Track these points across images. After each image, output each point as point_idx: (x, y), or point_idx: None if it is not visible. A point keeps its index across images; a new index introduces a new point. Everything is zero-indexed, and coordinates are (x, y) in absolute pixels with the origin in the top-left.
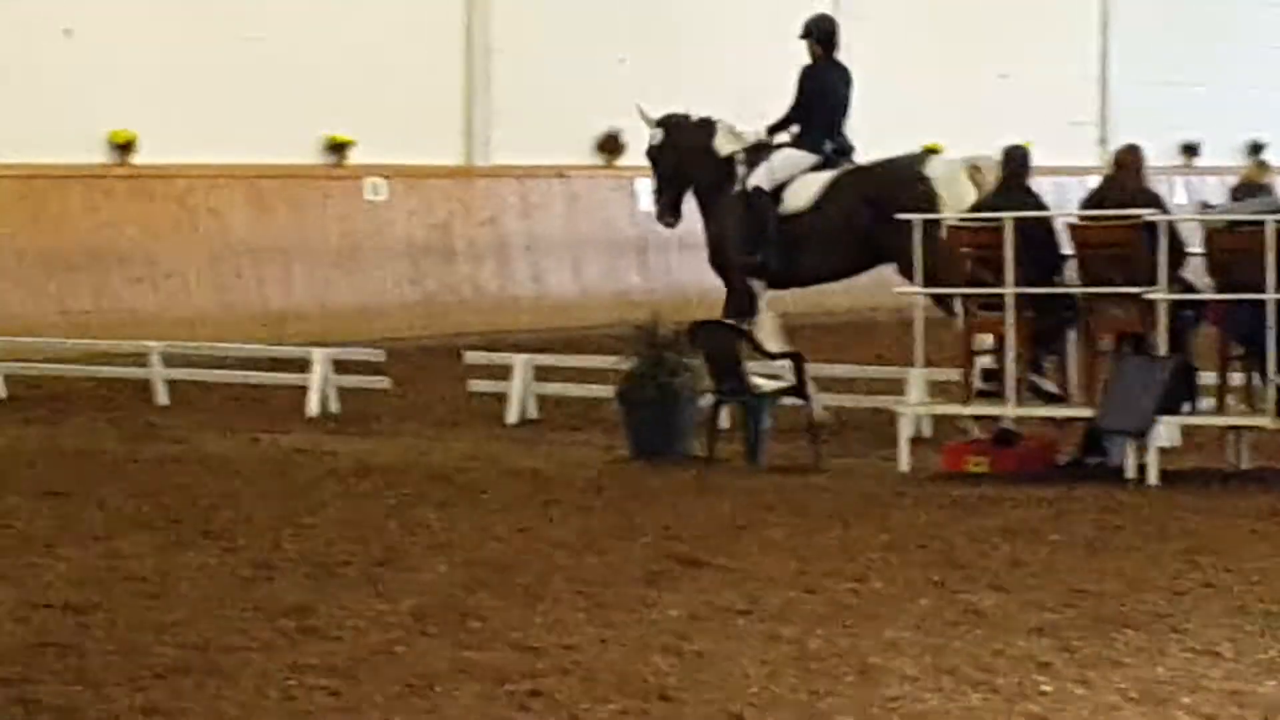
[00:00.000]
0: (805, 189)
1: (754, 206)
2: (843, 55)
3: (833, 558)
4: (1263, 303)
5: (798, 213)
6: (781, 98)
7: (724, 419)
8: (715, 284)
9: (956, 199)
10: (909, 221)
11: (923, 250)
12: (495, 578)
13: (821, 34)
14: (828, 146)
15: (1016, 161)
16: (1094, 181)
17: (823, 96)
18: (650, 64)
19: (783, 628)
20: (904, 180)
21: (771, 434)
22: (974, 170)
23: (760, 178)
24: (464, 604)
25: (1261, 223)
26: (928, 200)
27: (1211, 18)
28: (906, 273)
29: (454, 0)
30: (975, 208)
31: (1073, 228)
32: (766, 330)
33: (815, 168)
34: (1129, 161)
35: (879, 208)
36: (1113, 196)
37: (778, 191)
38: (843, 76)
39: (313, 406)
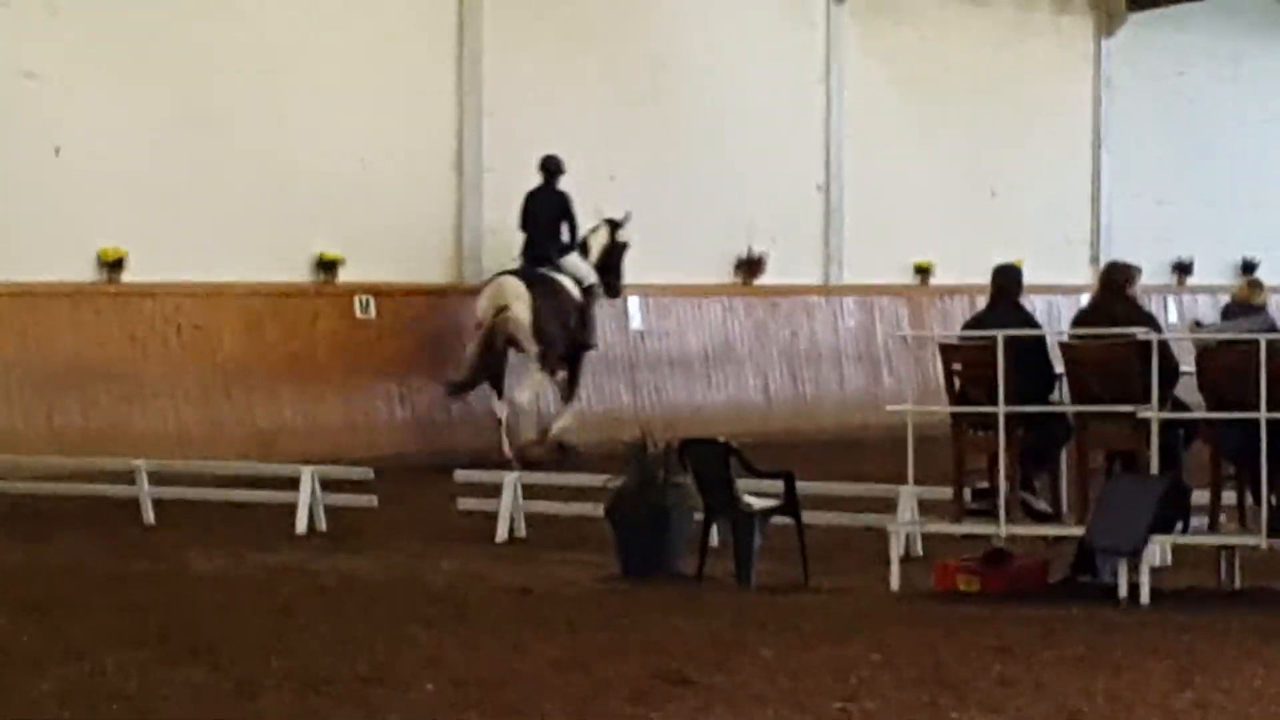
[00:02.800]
0: None
1: None
2: (837, 173)
3: (823, 676)
4: (1255, 421)
5: None
6: (775, 218)
7: (714, 537)
8: (705, 401)
9: None
10: None
11: None
12: (483, 696)
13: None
14: None
15: (1008, 279)
16: (1086, 299)
17: None
18: (641, 180)
19: None
20: None
21: (762, 552)
22: None
23: None
24: None
25: (1253, 342)
26: None
27: (1204, 136)
28: None
29: (446, 119)
30: (967, 325)
31: (1065, 345)
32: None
33: None
34: (1117, 279)
35: None
36: (1104, 314)
37: None
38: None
39: (301, 524)
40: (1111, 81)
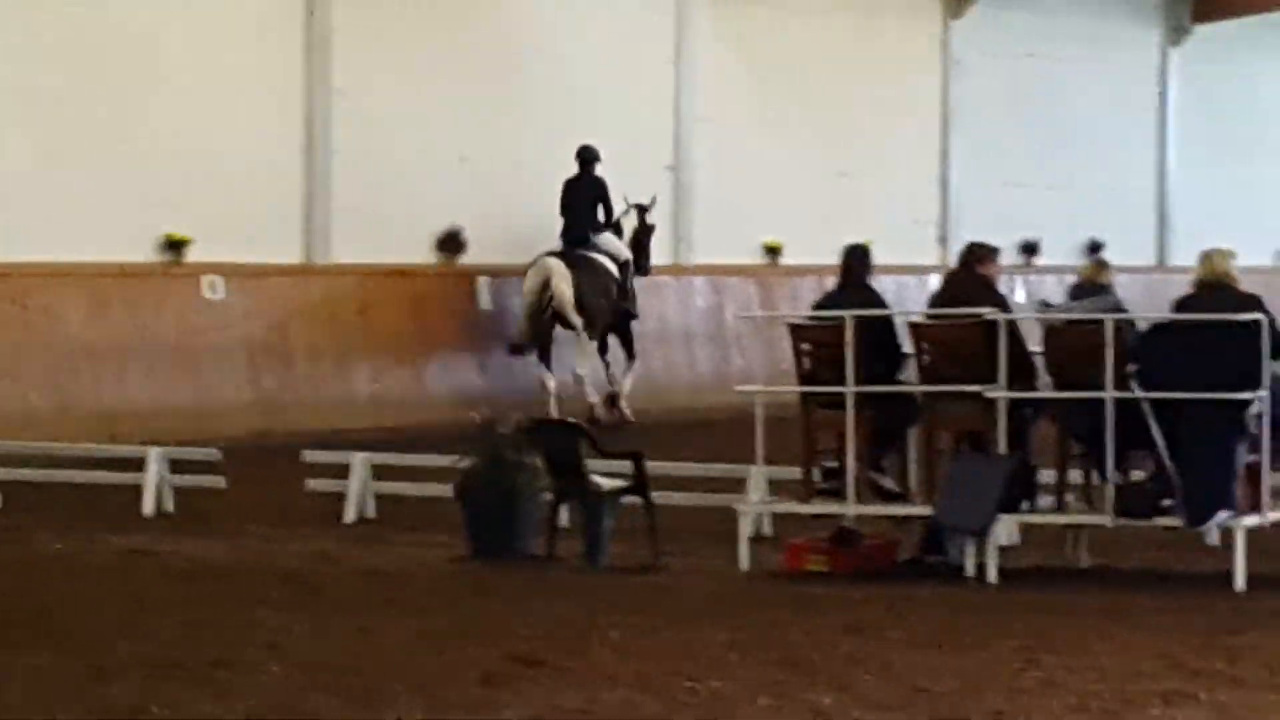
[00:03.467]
0: None
1: None
2: (687, 154)
3: (672, 657)
4: (1101, 401)
5: None
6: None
7: (564, 518)
8: (555, 383)
9: None
10: None
11: None
12: (332, 679)
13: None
14: None
15: (857, 260)
16: (935, 280)
17: None
18: (491, 162)
19: None
20: None
21: (612, 533)
22: None
23: None
24: (300, 706)
25: (1100, 322)
26: None
27: (1053, 118)
28: None
29: (294, 99)
30: (817, 306)
31: (914, 325)
32: None
33: None
34: (970, 259)
35: None
36: (956, 294)
37: None
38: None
39: (148, 506)
40: (960, 63)
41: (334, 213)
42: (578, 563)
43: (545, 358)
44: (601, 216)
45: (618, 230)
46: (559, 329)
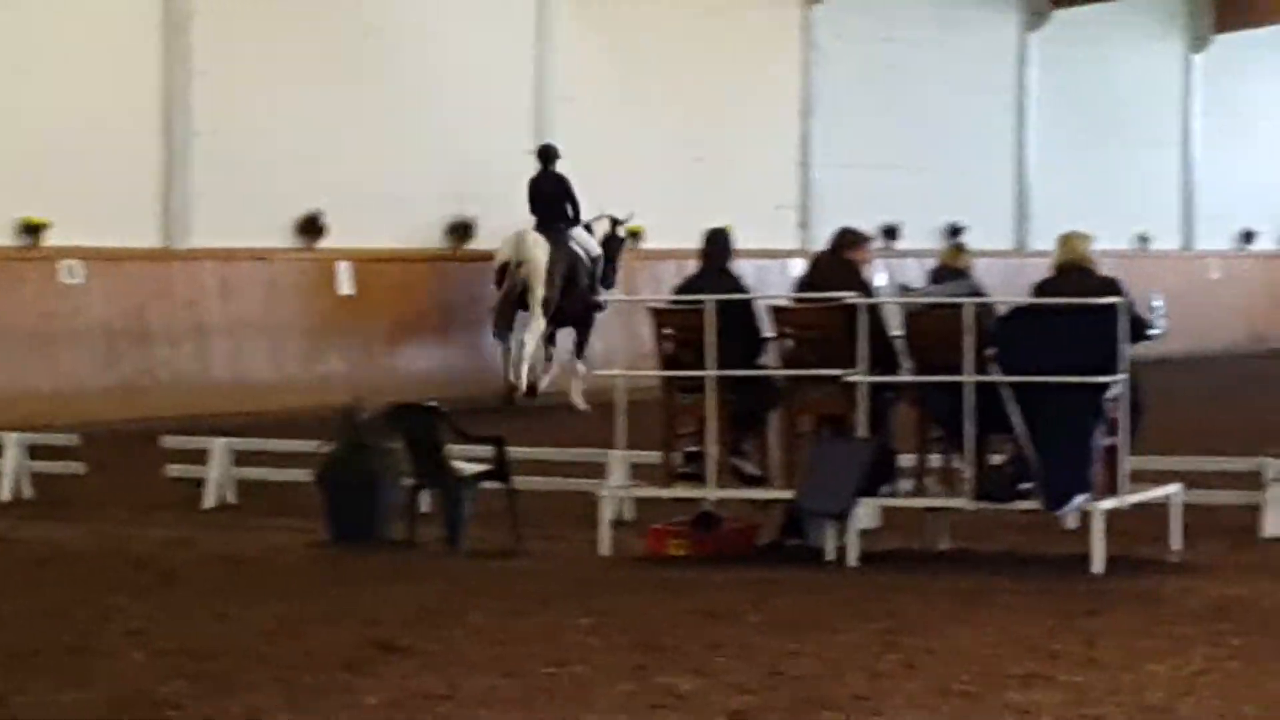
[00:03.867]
0: None
1: None
2: (548, 138)
3: (534, 642)
4: (961, 385)
5: None
6: (487, 182)
7: (424, 503)
8: (417, 367)
9: None
10: None
11: None
12: (192, 665)
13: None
14: None
15: (718, 244)
16: (795, 264)
17: None
18: (354, 146)
19: (483, 713)
20: None
21: (472, 518)
22: None
23: None
24: (159, 693)
25: (959, 306)
26: None
27: (911, 102)
28: None
29: (152, 81)
30: (677, 290)
31: (776, 309)
32: None
33: None
34: (838, 244)
35: None
36: (820, 279)
37: None
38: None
39: (5, 492)
40: (819, 47)
41: (193, 196)
42: (438, 547)
43: (508, 327)
44: (570, 213)
45: (588, 230)
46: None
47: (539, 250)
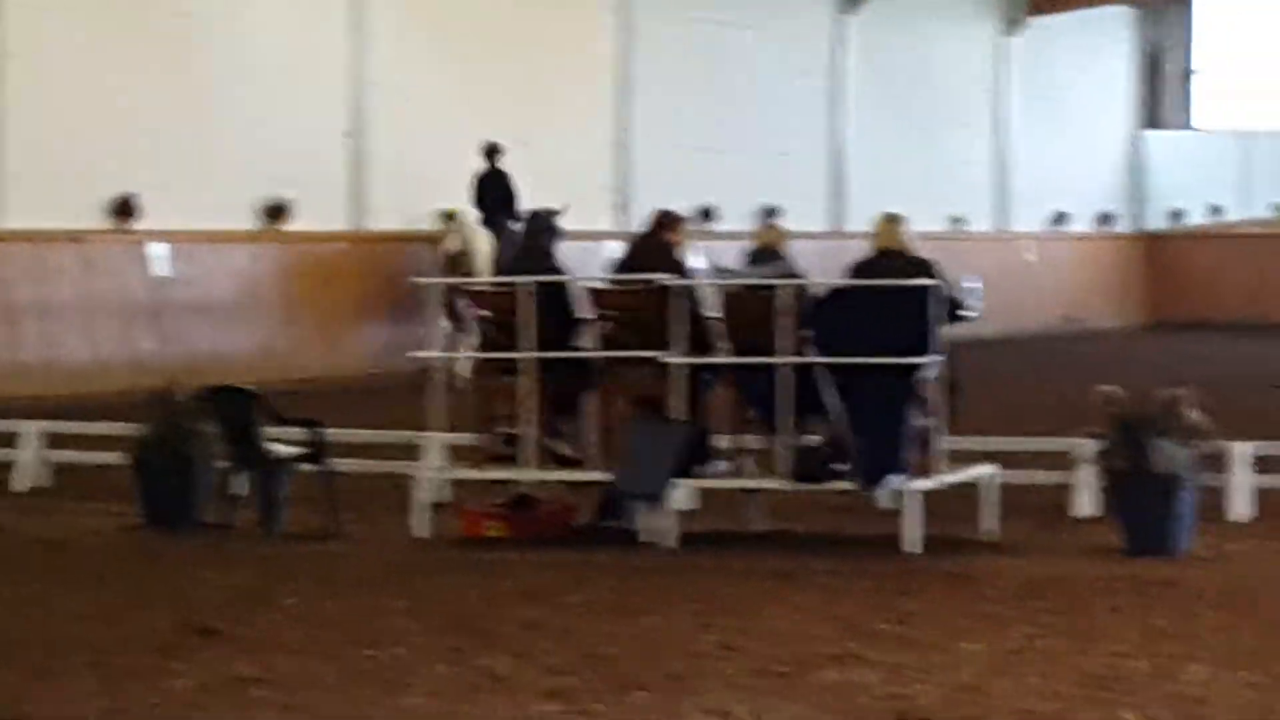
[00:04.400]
0: None
1: None
2: (364, 120)
3: (350, 624)
4: (776, 366)
5: None
6: (303, 164)
7: (240, 486)
8: (230, 349)
9: None
10: None
11: None
12: (4, 651)
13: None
14: None
15: (540, 226)
16: (613, 246)
17: None
18: (169, 128)
19: (297, 696)
20: None
21: (288, 501)
22: None
23: None
24: None
25: (775, 287)
26: None
27: (728, 85)
28: None
29: None
30: (495, 272)
31: (593, 291)
32: None
33: None
34: (658, 226)
35: None
36: (637, 261)
37: None
38: None
39: None
40: (637, 29)
41: (6, 177)
42: (254, 531)
43: (451, 312)
44: (512, 207)
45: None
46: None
47: (483, 241)
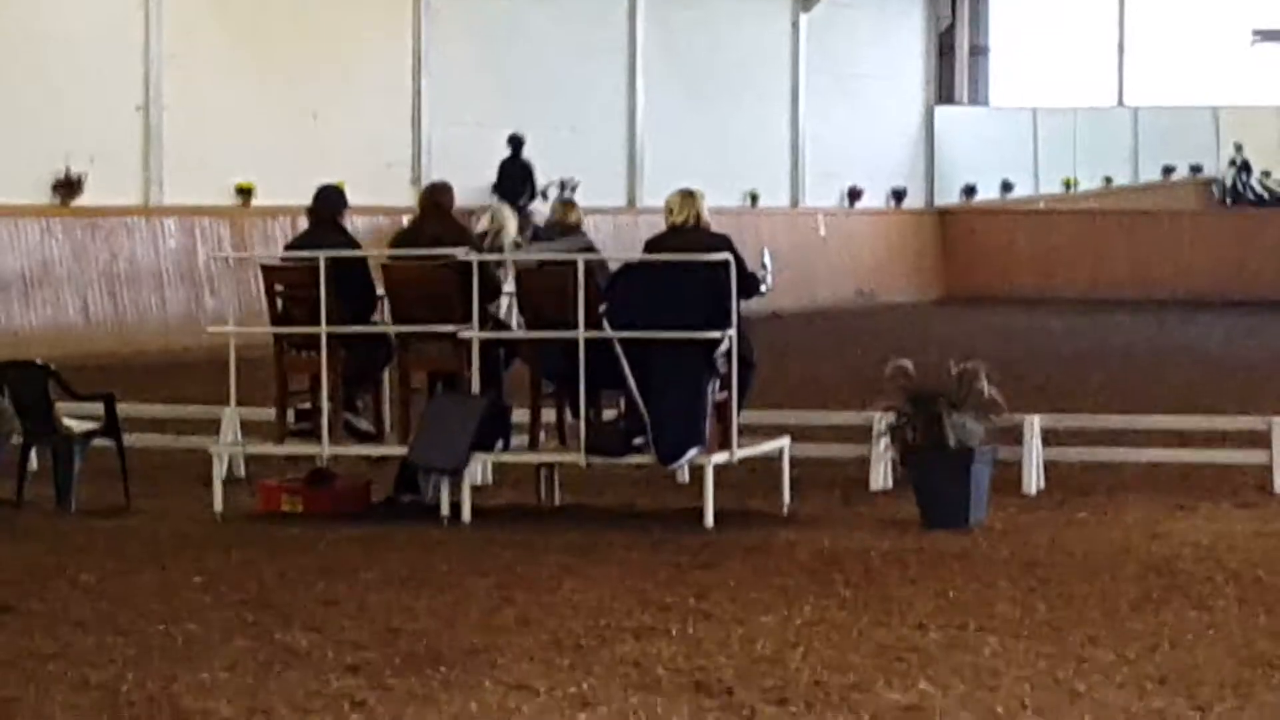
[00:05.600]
0: None
1: None
2: (156, 95)
3: (145, 600)
4: (574, 341)
5: None
6: (95, 139)
7: (33, 461)
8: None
9: None
10: None
11: None
12: None
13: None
14: None
15: (329, 201)
16: (408, 220)
17: None
18: None
19: (93, 672)
20: None
21: (82, 476)
22: None
23: None
24: None
25: (571, 262)
26: None
27: (523, 61)
28: None
29: None
30: (289, 246)
31: (386, 267)
32: None
33: None
34: (438, 200)
35: None
36: (424, 235)
37: None
38: None
39: None
40: (431, 5)
41: None
42: (48, 506)
43: None
44: (529, 193)
45: (543, 197)
46: None
47: (511, 221)
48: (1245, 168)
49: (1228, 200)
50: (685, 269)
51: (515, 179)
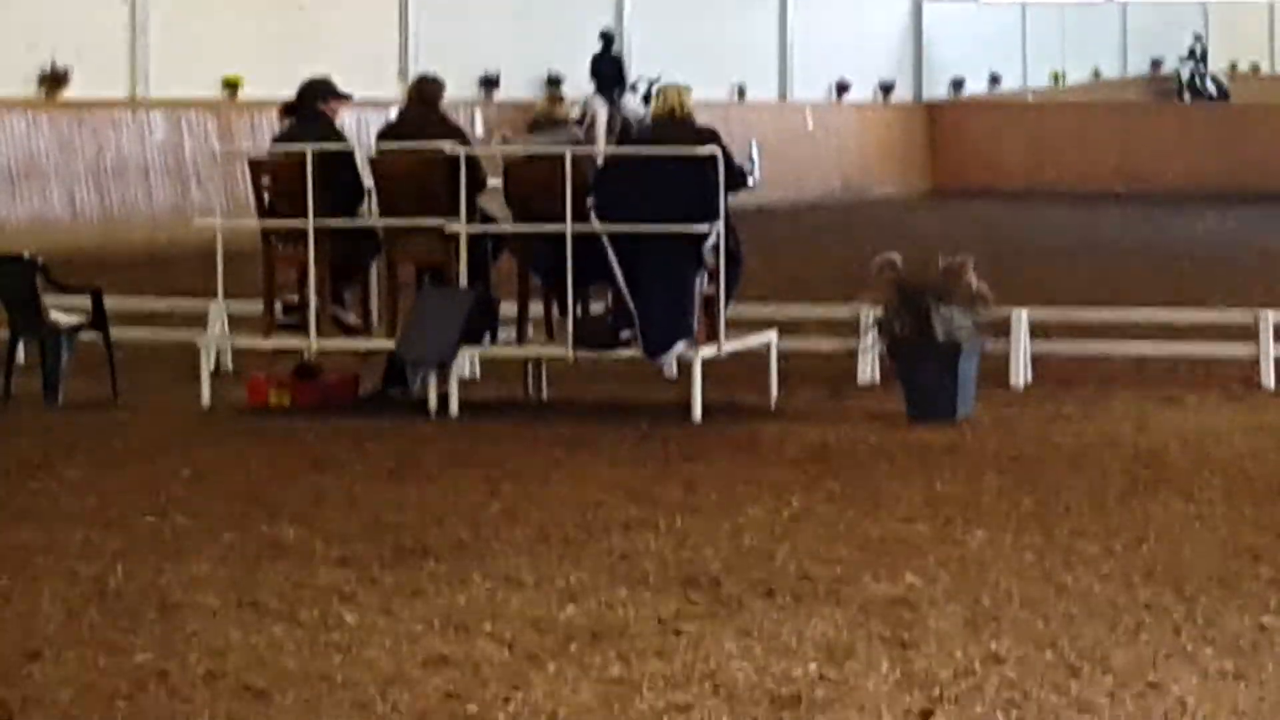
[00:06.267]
0: None
1: None
2: None
3: (134, 494)
4: (561, 235)
5: None
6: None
7: (21, 355)
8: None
9: None
10: None
11: None
12: None
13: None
14: None
15: (316, 93)
16: (395, 113)
17: None
18: None
19: (82, 565)
20: None
21: (70, 370)
22: None
23: None
24: None
25: (559, 156)
26: None
27: None
28: None
29: None
30: (276, 140)
31: (374, 160)
32: None
33: None
34: (426, 93)
35: None
36: (411, 128)
37: None
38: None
39: None
40: None
41: None
42: (35, 400)
43: None
44: (620, 86)
45: (633, 90)
46: None
47: (602, 110)
48: (1203, 58)
49: (1185, 96)
50: (672, 162)
51: (608, 73)
